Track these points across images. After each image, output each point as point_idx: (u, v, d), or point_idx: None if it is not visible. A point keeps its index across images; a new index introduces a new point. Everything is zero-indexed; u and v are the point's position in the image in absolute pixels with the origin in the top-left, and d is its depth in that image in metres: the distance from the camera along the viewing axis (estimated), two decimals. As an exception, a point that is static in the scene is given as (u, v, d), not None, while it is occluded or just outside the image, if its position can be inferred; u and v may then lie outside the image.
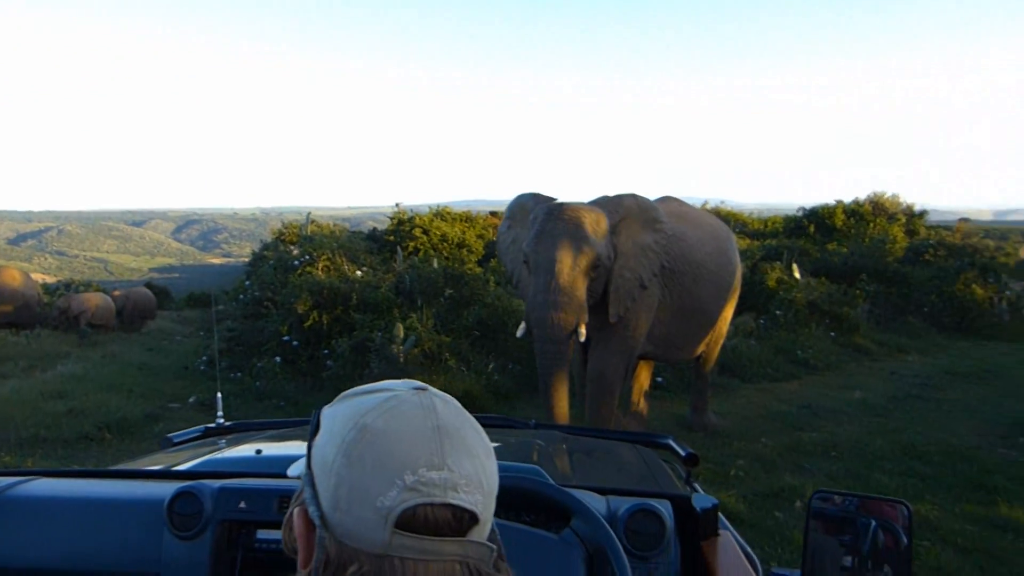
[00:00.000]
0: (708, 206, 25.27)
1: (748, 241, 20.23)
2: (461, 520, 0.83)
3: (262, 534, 1.66)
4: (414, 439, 0.83)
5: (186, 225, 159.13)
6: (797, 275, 14.95)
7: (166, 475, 1.91)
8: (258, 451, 2.18)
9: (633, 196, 6.40)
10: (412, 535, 0.81)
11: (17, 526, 1.71)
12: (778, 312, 13.43)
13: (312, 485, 0.85)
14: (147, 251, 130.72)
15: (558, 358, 5.76)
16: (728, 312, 7.52)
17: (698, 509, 1.62)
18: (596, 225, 5.93)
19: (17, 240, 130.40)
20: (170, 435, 2.88)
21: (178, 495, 1.66)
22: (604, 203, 6.30)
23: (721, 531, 1.67)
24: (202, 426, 3.14)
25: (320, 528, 0.83)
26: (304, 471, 0.88)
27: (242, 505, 1.66)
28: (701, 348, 7.33)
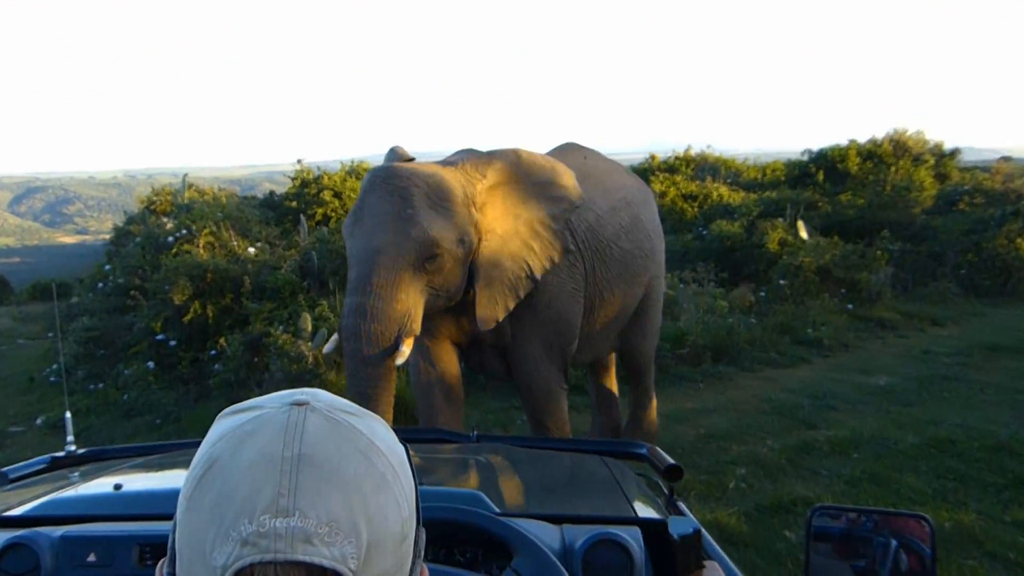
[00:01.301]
0: (691, 153, 25.57)
1: (742, 194, 20.53)
2: None
3: None
4: (260, 475, 0.80)
5: (27, 195, 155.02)
6: (804, 234, 15.20)
7: None
8: (117, 486, 2.12)
9: (515, 151, 5.88)
10: None
11: None
12: (781, 281, 13.66)
13: (174, 531, 0.85)
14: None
15: (372, 384, 5.16)
16: (653, 304, 7.17)
17: (675, 536, 1.62)
18: (437, 195, 5.33)
19: None
20: (4, 469, 2.80)
21: (7, 548, 1.60)
22: (467, 161, 5.74)
23: (707, 561, 1.68)
24: (48, 456, 3.06)
25: None
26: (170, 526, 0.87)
27: (91, 558, 1.61)
28: (607, 349, 7.05)
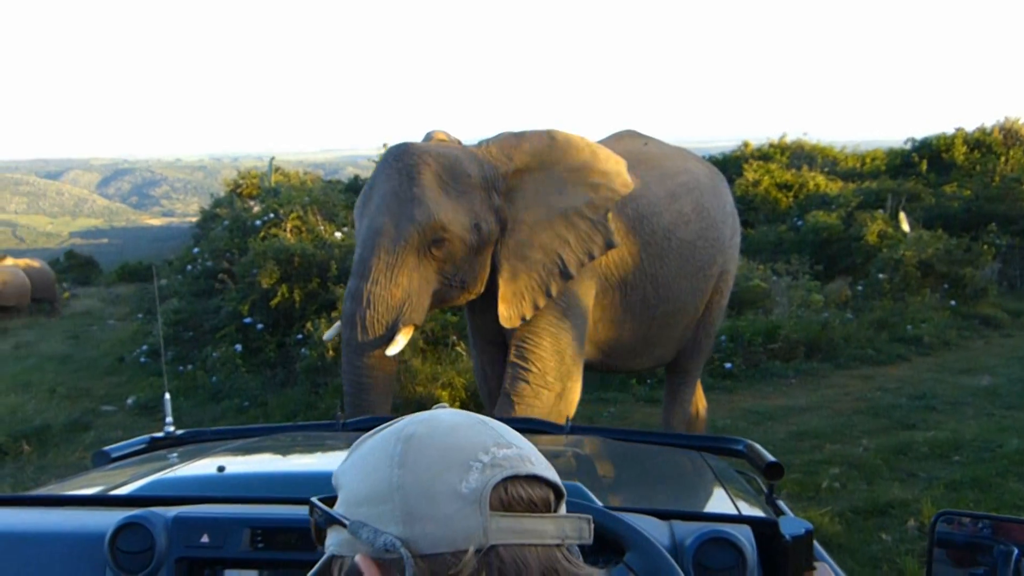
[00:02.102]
0: (786, 140, 25.10)
1: (840, 184, 20.08)
2: (548, 495, 0.97)
3: (231, 575, 1.68)
4: (468, 429, 0.98)
5: (115, 176, 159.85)
6: (905, 227, 14.85)
7: (105, 501, 1.93)
8: (221, 468, 2.20)
9: (549, 132, 5.46)
10: (510, 515, 0.93)
11: None
12: (880, 275, 13.35)
13: (362, 527, 0.94)
14: (66, 210, 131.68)
15: (365, 373, 4.98)
16: (720, 299, 6.72)
17: (787, 536, 1.62)
18: (451, 175, 5.02)
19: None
20: (106, 448, 2.93)
21: (122, 527, 1.68)
22: (493, 142, 5.39)
23: (818, 563, 1.67)
24: (146, 436, 3.18)
25: (405, 554, 0.90)
26: (347, 522, 0.95)
27: (204, 539, 1.68)
28: (672, 352, 6.54)
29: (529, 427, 3.13)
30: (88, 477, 2.53)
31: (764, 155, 24.18)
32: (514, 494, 0.94)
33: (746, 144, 26.06)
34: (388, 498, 0.93)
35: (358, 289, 4.95)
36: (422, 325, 5.28)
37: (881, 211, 15.67)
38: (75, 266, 30.76)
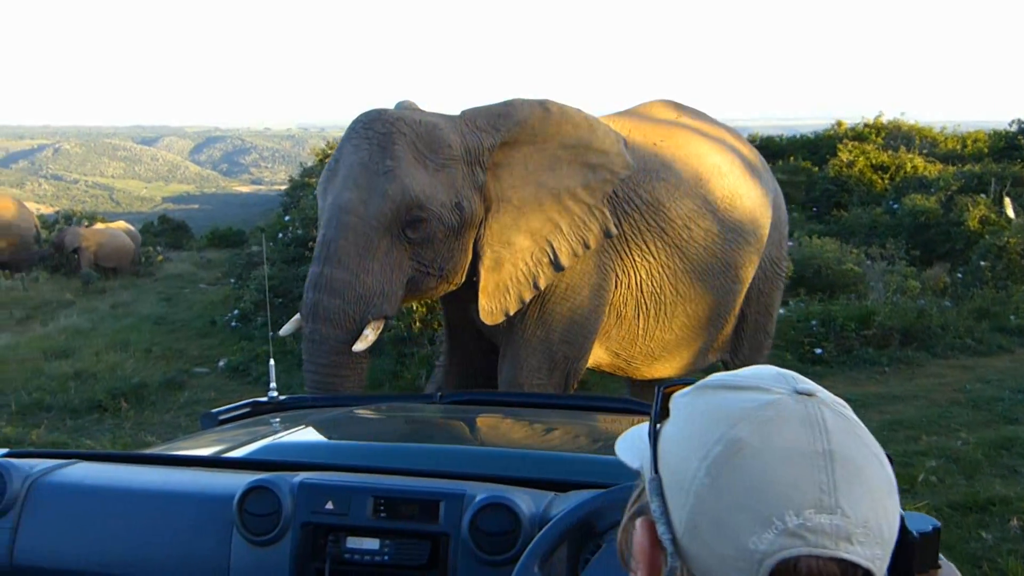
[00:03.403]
0: (882, 120, 24.40)
1: (939, 167, 19.45)
2: None
3: (353, 542, 1.69)
4: (798, 468, 0.84)
5: (207, 144, 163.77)
6: (1010, 212, 14.32)
7: (231, 464, 1.96)
8: (342, 437, 2.25)
9: (542, 103, 4.85)
10: None
11: (55, 520, 1.79)
12: (982, 263, 12.88)
13: (661, 495, 0.90)
14: (160, 176, 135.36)
15: (331, 372, 4.40)
16: (764, 295, 6.05)
17: (915, 533, 1.55)
18: (428, 145, 4.44)
19: (7, 161, 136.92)
20: (213, 411, 2.99)
21: (250, 490, 1.70)
22: (480, 113, 4.76)
23: (943, 562, 1.61)
24: (250, 400, 3.24)
25: (672, 556, 0.87)
26: (650, 473, 0.91)
27: (329, 506, 1.70)
28: (703, 357, 5.89)
29: (625, 407, 3.09)
30: (200, 438, 2.58)
31: (858, 135, 23.55)
32: (804, 572, 0.82)
33: (839, 123, 25.47)
34: (685, 493, 0.88)
35: (321, 276, 4.34)
36: (393, 318, 4.60)
37: (984, 196, 15.12)
38: (168, 230, 31.62)
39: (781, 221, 6.08)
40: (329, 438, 2.29)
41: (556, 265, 4.74)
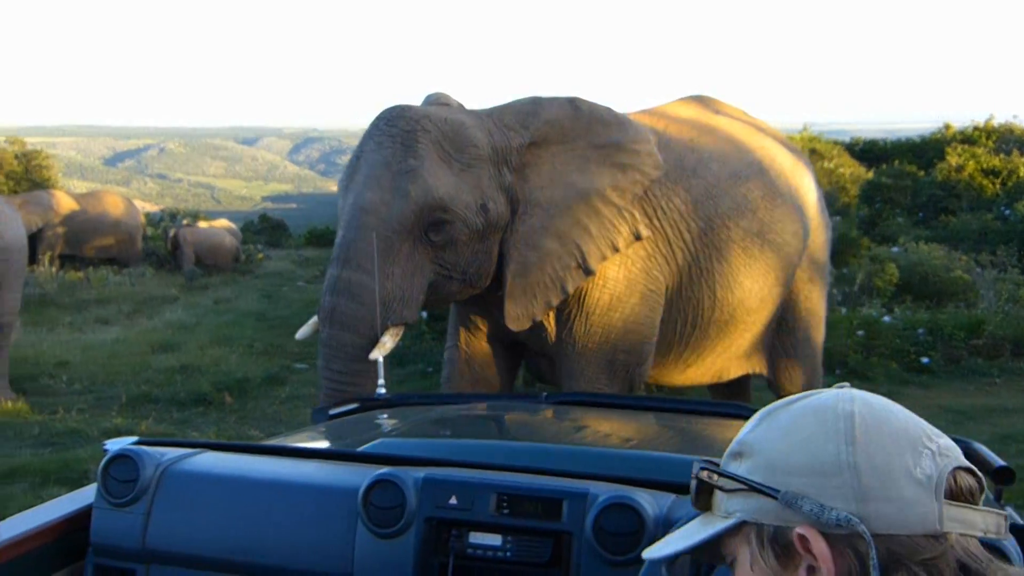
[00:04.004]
0: (993, 123, 23.55)
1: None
2: (978, 489, 1.00)
3: (476, 538, 1.71)
4: (900, 414, 1.01)
5: (305, 144, 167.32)
6: None
7: (354, 457, 2.00)
8: (450, 433, 2.28)
9: (571, 100, 4.69)
10: (956, 504, 0.96)
11: (184, 507, 1.85)
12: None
13: (801, 498, 0.97)
14: (259, 175, 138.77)
15: (346, 384, 4.21)
16: (808, 301, 5.69)
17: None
18: (454, 144, 4.27)
19: (114, 160, 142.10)
20: (324, 406, 3.06)
21: (375, 483, 1.74)
22: (507, 110, 4.62)
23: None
24: (358, 396, 3.30)
25: (865, 531, 0.93)
26: (770, 501, 0.98)
27: (452, 501, 1.72)
28: (735, 367, 5.60)
29: (712, 410, 3.05)
30: (316, 432, 2.65)
31: (968, 139, 22.80)
32: (961, 484, 0.97)
33: (947, 127, 24.69)
34: (835, 473, 0.96)
35: (339, 279, 4.20)
36: (414, 324, 4.41)
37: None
38: (267, 229, 32.31)
39: (825, 224, 5.84)
40: (445, 435, 2.33)
41: (585, 269, 4.53)
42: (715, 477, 1.05)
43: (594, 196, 4.54)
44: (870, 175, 18.59)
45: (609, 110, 4.76)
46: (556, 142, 4.58)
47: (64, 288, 15.57)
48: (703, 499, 1.08)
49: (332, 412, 3.00)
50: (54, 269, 16.82)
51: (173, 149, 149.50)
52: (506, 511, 1.71)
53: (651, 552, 1.13)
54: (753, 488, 0.99)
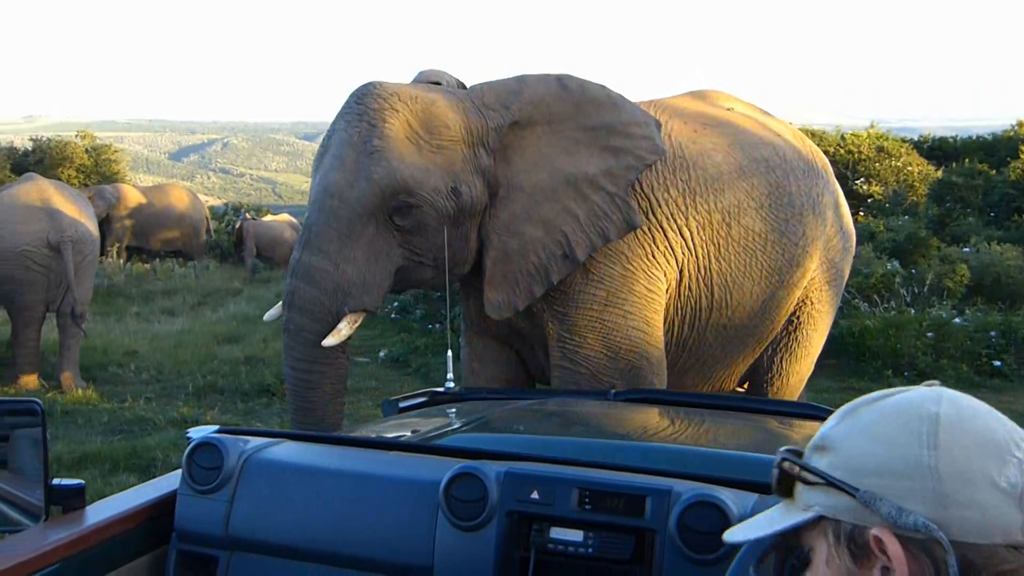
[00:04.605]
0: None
1: None
2: None
3: (557, 533, 1.70)
4: (988, 417, 1.00)
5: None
6: None
7: (433, 450, 2.01)
8: (524, 428, 2.28)
9: (559, 78, 4.41)
10: None
11: (267, 495, 1.88)
12: None
13: (878, 499, 0.95)
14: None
15: (306, 367, 4.11)
16: (812, 313, 5.24)
17: None
18: (424, 124, 4.08)
19: (179, 155, 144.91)
20: (394, 398, 3.08)
21: (457, 476, 1.74)
22: (489, 89, 4.35)
23: None
24: (428, 390, 3.32)
25: (942, 538, 0.91)
26: (850, 500, 0.97)
27: (534, 495, 1.71)
28: (734, 372, 5.21)
29: (788, 410, 3.00)
30: (389, 424, 2.66)
31: (1046, 136, 22.20)
32: None
33: (1020, 124, 24.07)
34: (915, 476, 0.94)
35: (300, 262, 4.08)
36: (375, 311, 4.29)
37: None
38: (289, 231, 32.62)
39: (845, 228, 5.37)
40: (520, 431, 2.33)
41: (572, 259, 4.25)
42: (796, 469, 1.04)
43: (583, 181, 4.28)
44: (939, 173, 18.19)
45: (603, 88, 4.46)
46: (542, 123, 4.31)
47: (131, 279, 15.92)
48: (784, 487, 1.08)
49: (402, 405, 3.02)
50: (121, 261, 17.21)
51: (236, 144, 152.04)
52: (588, 507, 1.70)
53: (732, 535, 1.12)
54: (832, 484, 0.98)
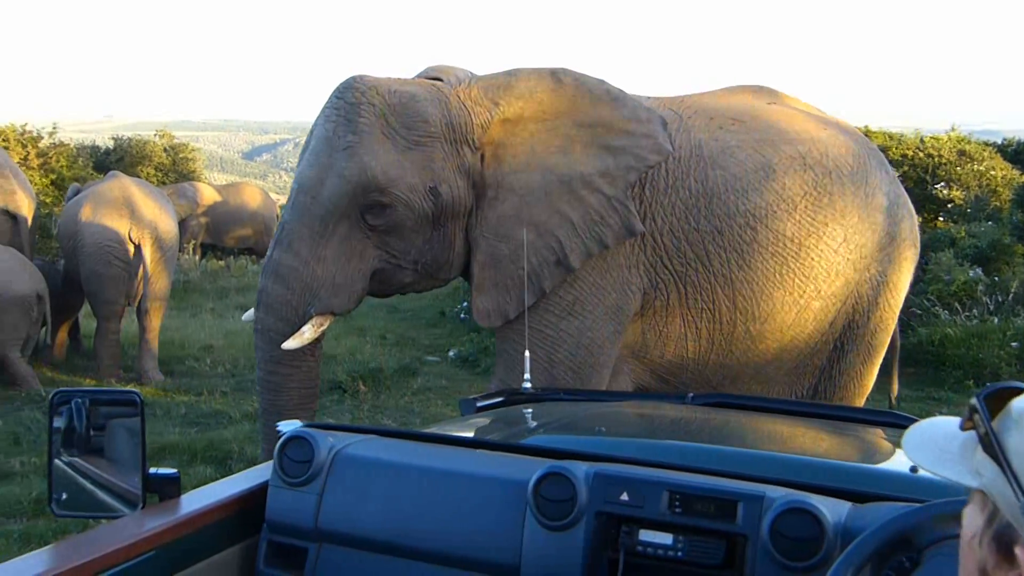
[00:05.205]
0: None
1: None
2: None
3: (647, 535, 1.70)
4: None
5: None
6: None
7: (520, 449, 2.01)
8: (606, 430, 2.27)
9: (554, 72, 4.14)
10: None
11: (356, 489, 1.91)
12: None
13: None
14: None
15: (274, 374, 3.98)
16: (873, 333, 4.74)
17: None
18: (402, 119, 3.86)
19: (252, 154, 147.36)
20: (472, 397, 3.10)
21: (546, 475, 1.74)
22: (477, 83, 4.12)
23: None
24: (505, 390, 3.33)
25: None
26: (1019, 498, 0.88)
27: (624, 497, 1.71)
28: (780, 392, 4.75)
29: (883, 420, 2.94)
30: (468, 422, 2.68)
31: None
32: None
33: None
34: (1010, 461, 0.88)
35: (271, 260, 3.99)
36: (345, 314, 4.11)
37: None
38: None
39: (900, 235, 4.75)
40: (603, 432, 2.32)
41: (566, 266, 4.03)
42: (983, 430, 0.93)
43: (578, 182, 4.03)
44: (1024, 178, 17.70)
45: (600, 82, 4.20)
46: (534, 119, 4.07)
47: (206, 276, 16.22)
48: (969, 424, 0.97)
49: (479, 404, 3.03)
50: (197, 257, 17.56)
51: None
52: (678, 510, 1.69)
53: (915, 450, 1.05)
54: (1005, 472, 0.90)
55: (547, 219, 4.01)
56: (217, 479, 2.22)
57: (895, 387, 5.31)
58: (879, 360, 4.92)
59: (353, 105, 3.86)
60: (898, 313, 4.88)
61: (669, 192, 4.19)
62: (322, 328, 3.95)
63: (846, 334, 4.64)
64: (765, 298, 4.31)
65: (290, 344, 3.85)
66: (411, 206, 3.87)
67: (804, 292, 4.37)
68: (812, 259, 4.35)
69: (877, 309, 4.67)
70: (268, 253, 4.05)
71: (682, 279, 4.22)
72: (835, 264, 4.43)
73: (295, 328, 3.89)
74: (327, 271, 3.88)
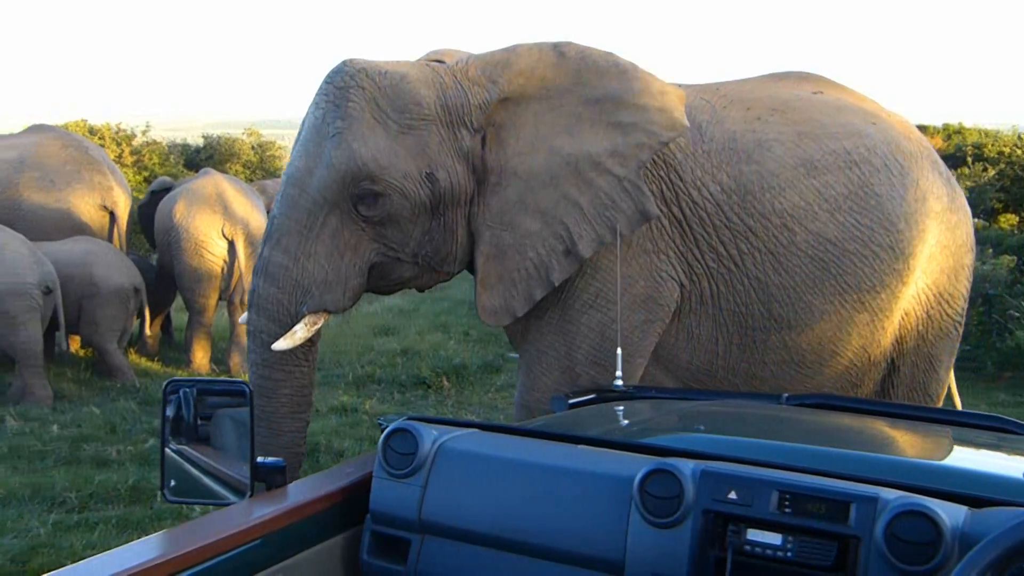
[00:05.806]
0: None
1: None
2: None
3: (755, 535, 1.68)
4: None
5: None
6: None
7: (623, 446, 2.01)
8: (702, 428, 2.26)
9: (558, 46, 3.87)
10: None
11: (459, 482, 1.92)
12: None
13: None
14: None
15: (264, 371, 3.75)
16: (931, 346, 4.38)
17: None
18: (392, 102, 3.63)
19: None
20: (563, 394, 3.11)
21: (653, 472, 1.73)
22: (475, 61, 3.84)
23: None
24: (596, 387, 3.33)
25: None
26: None
27: (732, 495, 1.69)
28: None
29: (971, 421, 2.86)
30: (563, 419, 2.69)
31: None
32: None
33: None
34: None
35: (261, 258, 3.76)
36: (340, 312, 3.84)
37: None
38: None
39: (957, 243, 4.37)
40: (702, 430, 2.30)
41: (576, 256, 3.75)
42: None
43: (586, 164, 3.74)
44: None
45: (608, 55, 3.87)
46: (537, 98, 3.79)
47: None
48: None
49: (571, 401, 3.04)
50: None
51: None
52: (788, 510, 1.66)
53: None
54: None
55: (553, 205, 3.75)
56: (306, 473, 2.27)
57: (956, 399, 5.01)
58: (945, 373, 4.57)
59: (342, 89, 3.64)
60: (960, 322, 4.52)
61: (699, 186, 3.91)
62: (316, 327, 3.74)
63: (897, 349, 4.33)
64: (803, 306, 3.99)
65: (281, 344, 3.63)
66: (406, 194, 3.63)
67: (845, 302, 4.05)
68: (856, 266, 4.02)
69: (933, 323, 4.35)
70: (260, 250, 3.83)
71: (714, 277, 3.96)
72: (883, 273, 4.08)
73: (287, 329, 3.68)
74: (319, 267, 3.66)
